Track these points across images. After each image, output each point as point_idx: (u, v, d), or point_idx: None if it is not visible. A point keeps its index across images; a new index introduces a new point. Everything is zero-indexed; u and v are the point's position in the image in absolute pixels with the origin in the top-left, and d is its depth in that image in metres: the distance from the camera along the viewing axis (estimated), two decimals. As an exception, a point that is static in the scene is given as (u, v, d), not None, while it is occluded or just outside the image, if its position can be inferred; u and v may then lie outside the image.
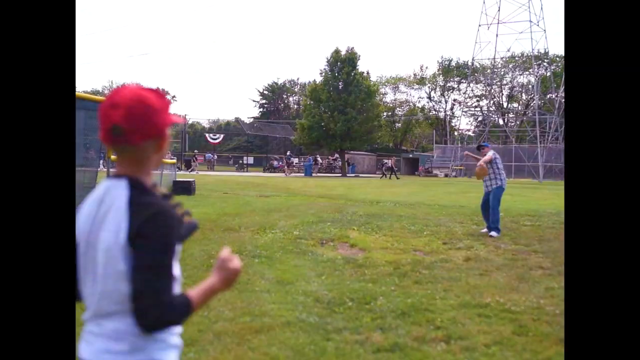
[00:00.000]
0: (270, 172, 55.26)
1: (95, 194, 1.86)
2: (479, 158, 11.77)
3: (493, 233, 10.99)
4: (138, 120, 1.77)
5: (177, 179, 22.17)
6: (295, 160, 60.75)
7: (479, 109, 76.22)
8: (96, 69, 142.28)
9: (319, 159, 60.06)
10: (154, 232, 1.73)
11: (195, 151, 66.25)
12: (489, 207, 11.27)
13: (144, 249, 1.72)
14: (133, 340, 1.77)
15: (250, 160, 66.51)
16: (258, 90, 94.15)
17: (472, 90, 72.62)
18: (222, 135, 69.10)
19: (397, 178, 46.07)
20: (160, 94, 1.87)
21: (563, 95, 56.65)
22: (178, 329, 1.90)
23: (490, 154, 11.45)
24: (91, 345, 1.81)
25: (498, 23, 56.81)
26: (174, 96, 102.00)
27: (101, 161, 17.27)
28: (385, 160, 53.50)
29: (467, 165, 54.32)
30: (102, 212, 1.80)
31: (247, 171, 52.95)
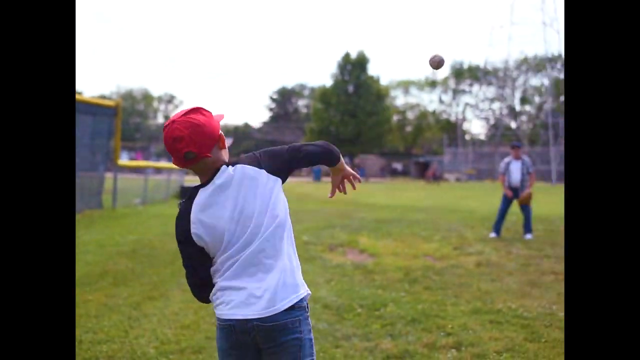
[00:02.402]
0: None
1: (222, 190, 2.28)
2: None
3: (528, 236, 11.16)
4: (200, 140, 2.21)
5: (185, 184, 22.18)
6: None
7: (491, 112, 75.97)
8: (104, 74, 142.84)
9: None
10: (274, 155, 2.40)
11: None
12: (505, 213, 11.45)
13: (285, 156, 2.40)
14: (298, 277, 2.36)
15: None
16: (270, 97, 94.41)
17: (484, 93, 72.42)
18: (231, 140, 69.29)
19: (438, 184, 45.20)
20: (200, 109, 2.28)
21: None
22: None
23: (531, 169, 11.47)
24: (257, 298, 2.26)
25: (511, 25, 56.64)
26: (181, 101, 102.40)
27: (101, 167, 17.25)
28: (430, 167, 52.84)
29: (479, 170, 54.15)
30: (245, 191, 2.27)
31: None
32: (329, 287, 6.80)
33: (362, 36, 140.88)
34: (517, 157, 11.47)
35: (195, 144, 2.20)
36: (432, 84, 79.50)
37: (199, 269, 2.37)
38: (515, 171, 11.40)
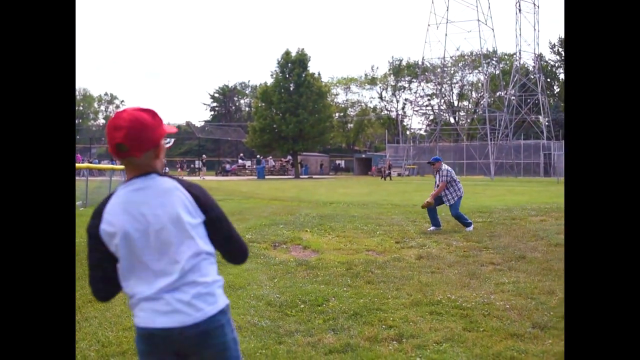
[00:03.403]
0: (223, 175, 54.96)
1: (133, 193, 2.26)
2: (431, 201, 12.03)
3: (469, 229, 11.39)
4: (137, 138, 2.21)
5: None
6: (247, 163, 60.54)
7: (430, 108, 77.21)
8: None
9: (271, 160, 59.95)
10: (212, 200, 2.40)
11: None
12: (435, 209, 11.83)
13: (218, 214, 2.39)
14: (218, 291, 2.33)
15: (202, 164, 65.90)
16: (209, 94, 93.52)
17: (423, 90, 73.56)
18: (172, 140, 68.21)
19: (390, 179, 45.60)
20: (153, 113, 2.29)
21: (512, 92, 57.84)
22: None
23: (444, 178, 11.69)
24: (184, 314, 2.20)
25: (447, 22, 57.61)
26: (122, 101, 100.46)
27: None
28: (383, 162, 53.09)
29: (420, 165, 54.96)
30: (161, 197, 2.25)
31: (199, 175, 52.45)
32: (272, 284, 6.80)
33: (302, 34, 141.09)
34: (437, 170, 12.02)
35: (130, 139, 2.19)
36: (372, 81, 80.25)
37: (105, 266, 2.31)
38: (437, 182, 11.99)
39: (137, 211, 2.24)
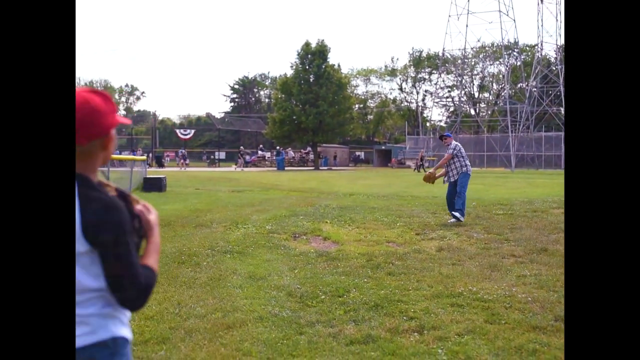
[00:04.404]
0: (243, 167, 55.15)
1: None
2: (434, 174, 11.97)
3: (457, 214, 11.15)
4: (82, 123, 1.87)
5: (148, 176, 21.93)
6: (267, 154, 60.67)
7: (450, 99, 76.77)
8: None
9: (291, 152, 59.97)
10: (109, 223, 1.86)
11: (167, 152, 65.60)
12: (455, 195, 11.47)
13: (107, 241, 1.86)
14: (95, 321, 1.91)
15: (222, 155, 66.17)
16: (229, 85, 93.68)
17: (443, 81, 73.19)
18: (192, 131, 68.59)
19: (425, 171, 44.87)
20: (106, 96, 1.96)
21: (533, 84, 57.27)
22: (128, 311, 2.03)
23: (450, 150, 11.55)
24: None
25: (468, 13, 57.17)
26: (142, 92, 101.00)
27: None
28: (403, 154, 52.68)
29: (440, 157, 54.67)
30: None
31: (218, 166, 52.65)
32: (292, 275, 6.82)
33: (322, 25, 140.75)
34: (447, 145, 11.85)
35: (76, 122, 1.86)
36: (392, 72, 79.91)
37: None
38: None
39: None
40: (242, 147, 60.00)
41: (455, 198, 11.39)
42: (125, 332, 2.02)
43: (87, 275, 1.89)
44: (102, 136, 1.95)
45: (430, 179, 11.79)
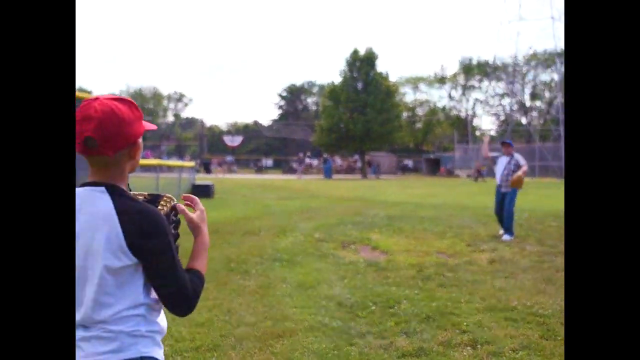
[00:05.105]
0: (290, 174, 55.40)
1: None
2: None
3: (506, 237, 10.65)
4: (110, 133, 1.80)
5: (197, 183, 22.20)
6: (314, 162, 60.83)
7: (501, 107, 75.67)
8: (113, 73, 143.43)
9: (338, 159, 60.01)
10: (150, 229, 1.81)
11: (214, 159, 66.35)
12: (502, 207, 10.99)
13: (151, 249, 1.81)
14: (125, 339, 1.83)
15: (269, 162, 66.61)
16: (279, 95, 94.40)
17: (493, 89, 72.16)
18: (240, 138, 69.26)
19: (484, 180, 43.25)
20: (131, 103, 1.89)
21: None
22: (162, 328, 1.97)
23: (523, 161, 11.04)
24: (81, 350, 1.84)
25: (519, 20, 56.36)
26: (190, 99, 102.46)
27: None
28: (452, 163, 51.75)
29: (490, 167, 53.84)
30: (86, 222, 1.82)
31: (265, 173, 53.00)
32: (342, 284, 6.77)
33: (370, 32, 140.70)
34: (508, 154, 11.19)
35: (101, 133, 1.78)
36: (442, 80, 79.24)
37: None
38: (500, 166, 11.17)
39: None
40: (300, 154, 60.24)
41: (503, 212, 10.96)
42: (156, 352, 1.94)
43: (121, 291, 1.83)
44: (129, 146, 1.89)
45: (519, 183, 11.07)
